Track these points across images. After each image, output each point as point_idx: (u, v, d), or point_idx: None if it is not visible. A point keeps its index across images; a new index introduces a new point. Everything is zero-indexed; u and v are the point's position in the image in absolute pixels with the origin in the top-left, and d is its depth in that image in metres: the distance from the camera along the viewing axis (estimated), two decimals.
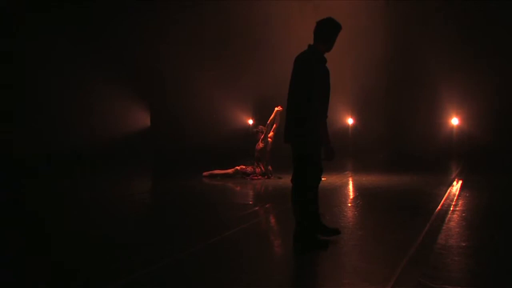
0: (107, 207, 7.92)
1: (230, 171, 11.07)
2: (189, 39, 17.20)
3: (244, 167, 11.05)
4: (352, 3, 15.07)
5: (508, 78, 14.69)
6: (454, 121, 15.99)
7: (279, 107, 10.69)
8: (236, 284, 4.16)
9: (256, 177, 10.78)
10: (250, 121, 18.25)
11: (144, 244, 5.43)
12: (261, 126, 11.25)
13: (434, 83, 15.68)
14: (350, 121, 17.00)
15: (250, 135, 11.23)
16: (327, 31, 4.99)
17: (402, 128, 16.03)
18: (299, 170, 4.99)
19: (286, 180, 10.37)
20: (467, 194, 8.48)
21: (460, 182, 9.87)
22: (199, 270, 4.53)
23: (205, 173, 11.18)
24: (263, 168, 10.87)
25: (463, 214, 6.69)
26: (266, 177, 10.83)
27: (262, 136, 10.89)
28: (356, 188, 9.73)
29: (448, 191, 8.62)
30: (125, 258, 4.89)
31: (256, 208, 7.76)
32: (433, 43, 15.29)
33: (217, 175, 11.08)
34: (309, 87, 4.81)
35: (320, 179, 5.13)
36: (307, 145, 4.92)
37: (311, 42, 5.07)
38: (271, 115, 10.83)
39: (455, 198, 7.90)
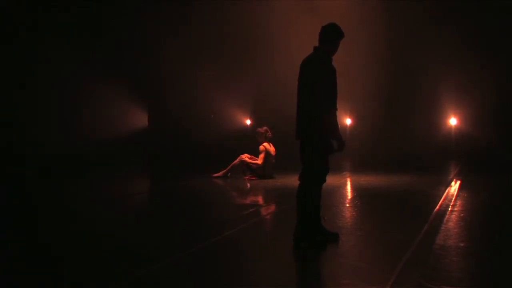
0: (107, 208, 7.93)
1: (235, 162, 10.95)
2: (188, 39, 17.18)
3: (248, 155, 10.95)
4: (352, 3, 15.09)
5: (507, 78, 14.73)
6: (452, 121, 16.03)
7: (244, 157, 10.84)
8: (236, 284, 4.18)
9: (254, 177, 10.77)
10: (248, 121, 18.26)
11: (144, 244, 5.44)
12: (265, 128, 10.98)
13: (433, 83, 15.72)
14: (348, 121, 17.02)
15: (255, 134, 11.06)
16: (331, 34, 5.25)
17: (400, 128, 16.05)
18: (308, 168, 5.12)
19: (284, 180, 10.39)
20: (465, 194, 8.51)
21: (459, 182, 9.90)
22: (199, 270, 4.54)
23: (214, 175, 11.04)
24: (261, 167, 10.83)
25: (462, 215, 6.72)
26: (264, 177, 10.79)
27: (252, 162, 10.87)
28: (354, 188, 9.76)
29: (447, 191, 8.64)
30: (125, 258, 4.90)
31: (256, 208, 7.77)
32: (432, 44, 15.33)
33: (226, 173, 10.98)
34: (317, 86, 5.05)
35: (325, 179, 5.21)
36: (317, 142, 5.07)
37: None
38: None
39: (454, 198, 7.93)
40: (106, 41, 16.57)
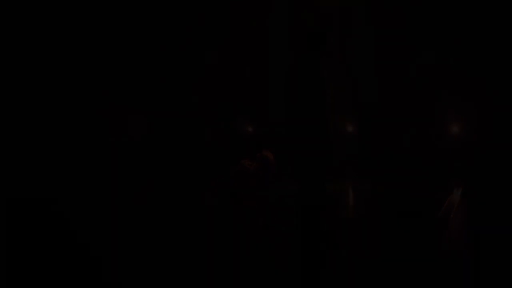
0: (105, 208, 7.91)
1: (236, 167, 11.03)
2: (189, 33, 17.12)
3: (248, 161, 11.00)
4: (354, 4, 15.08)
5: (507, 79, 14.70)
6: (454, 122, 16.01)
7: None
8: (236, 284, 4.16)
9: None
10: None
11: (144, 244, 5.43)
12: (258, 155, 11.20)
13: (434, 84, 15.69)
14: (349, 122, 16.99)
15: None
16: (318, 35, 5.08)
17: (401, 129, 16.03)
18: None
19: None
20: (467, 196, 8.47)
21: (461, 184, 9.87)
22: (200, 270, 4.52)
23: (216, 178, 11.14)
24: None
25: (463, 216, 6.69)
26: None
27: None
28: (355, 189, 9.73)
29: (449, 193, 8.61)
30: (125, 258, 4.89)
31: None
32: (433, 44, 15.31)
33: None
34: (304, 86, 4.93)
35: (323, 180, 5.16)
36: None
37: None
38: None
39: (456, 200, 7.90)
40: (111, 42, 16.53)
